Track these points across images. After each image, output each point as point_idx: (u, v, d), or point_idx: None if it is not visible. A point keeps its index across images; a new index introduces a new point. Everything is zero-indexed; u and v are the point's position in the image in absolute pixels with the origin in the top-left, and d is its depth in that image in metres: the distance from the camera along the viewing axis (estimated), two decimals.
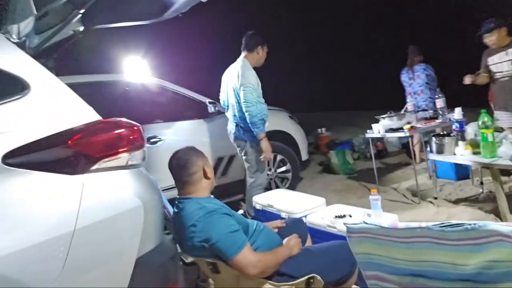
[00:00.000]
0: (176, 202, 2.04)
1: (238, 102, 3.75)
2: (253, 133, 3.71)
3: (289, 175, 4.96)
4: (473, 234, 1.15)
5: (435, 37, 9.96)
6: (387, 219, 2.50)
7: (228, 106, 4.00)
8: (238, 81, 3.68)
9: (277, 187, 4.79)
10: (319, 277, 1.82)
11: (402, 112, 4.57)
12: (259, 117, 3.63)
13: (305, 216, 2.86)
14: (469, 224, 1.16)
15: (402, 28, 11.02)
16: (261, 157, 3.78)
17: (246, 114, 3.64)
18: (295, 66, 13.59)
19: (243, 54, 3.85)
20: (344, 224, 1.44)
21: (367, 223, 1.38)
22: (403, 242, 1.30)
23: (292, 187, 4.85)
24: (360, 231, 1.39)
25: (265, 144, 3.69)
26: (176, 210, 2.02)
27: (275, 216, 3.09)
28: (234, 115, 3.86)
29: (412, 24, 10.81)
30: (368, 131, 4.61)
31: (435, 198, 4.06)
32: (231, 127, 3.99)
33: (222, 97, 4.12)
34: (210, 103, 4.36)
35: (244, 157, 3.95)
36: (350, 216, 2.65)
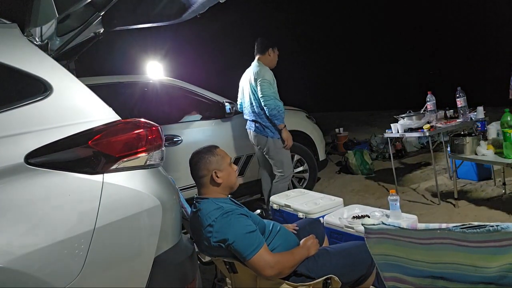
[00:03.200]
0: (194, 201, 2.05)
1: (256, 99, 3.89)
2: (272, 128, 3.87)
3: (307, 175, 4.94)
4: (495, 236, 1.12)
5: (455, 35, 9.77)
6: (406, 220, 2.47)
7: (245, 107, 4.11)
8: (253, 78, 3.86)
9: (294, 187, 4.78)
10: (336, 278, 1.81)
11: (422, 111, 4.50)
12: (278, 109, 3.78)
13: (323, 217, 2.84)
14: (491, 226, 1.13)
15: (423, 28, 10.86)
16: (283, 146, 3.93)
17: (265, 107, 3.79)
18: (312, 66, 13.53)
19: (256, 57, 4.05)
20: (362, 224, 1.42)
21: (385, 224, 1.36)
22: (423, 244, 1.28)
23: (309, 187, 4.83)
24: (379, 231, 1.37)
25: (285, 134, 3.87)
26: (193, 210, 2.03)
27: (292, 216, 3.09)
28: (253, 112, 3.97)
29: (432, 24, 10.64)
30: (386, 130, 4.56)
31: (456, 199, 3.98)
32: (250, 125, 4.08)
33: (239, 100, 4.27)
34: (227, 103, 4.38)
35: (267, 154, 4.03)
36: (368, 216, 2.62)
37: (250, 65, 4.09)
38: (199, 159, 2.02)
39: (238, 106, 4.31)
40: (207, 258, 1.99)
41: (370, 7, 12.14)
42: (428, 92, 4.49)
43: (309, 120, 5.26)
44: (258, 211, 2.62)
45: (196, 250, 2.02)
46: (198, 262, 2.04)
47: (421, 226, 1.28)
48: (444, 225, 1.23)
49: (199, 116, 4.48)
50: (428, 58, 10.19)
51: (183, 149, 3.91)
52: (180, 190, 2.68)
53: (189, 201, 2.28)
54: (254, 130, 4.01)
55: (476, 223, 1.17)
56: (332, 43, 12.78)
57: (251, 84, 3.93)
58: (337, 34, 12.30)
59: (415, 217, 2.55)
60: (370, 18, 12.22)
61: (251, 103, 3.97)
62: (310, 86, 13.88)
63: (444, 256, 1.25)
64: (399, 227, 1.33)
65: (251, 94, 3.96)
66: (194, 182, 2.08)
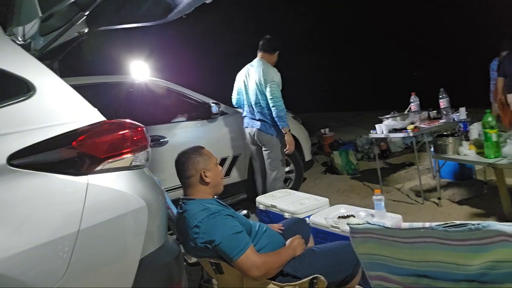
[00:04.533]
0: (180, 202, 2.04)
1: (264, 99, 3.95)
2: (278, 127, 3.96)
3: (293, 175, 4.96)
4: (477, 234, 1.15)
5: (439, 38, 9.93)
6: (391, 220, 2.50)
7: (247, 105, 4.16)
8: (263, 78, 3.91)
9: (280, 188, 4.79)
10: (322, 278, 1.82)
11: (406, 112, 4.56)
12: (284, 111, 3.91)
13: (308, 217, 2.86)
14: (473, 224, 1.16)
15: (408, 31, 11.00)
16: (285, 150, 4.01)
17: (273, 109, 3.87)
18: (298, 67, 13.58)
19: (260, 54, 4.09)
20: (348, 224, 1.44)
21: (370, 223, 1.38)
22: (407, 242, 1.30)
23: (295, 187, 4.85)
24: (364, 231, 1.39)
25: (290, 137, 3.97)
26: (180, 211, 2.03)
27: (278, 217, 3.10)
28: (260, 112, 4.03)
29: (416, 27, 10.78)
30: (371, 131, 4.60)
31: (439, 198, 4.05)
32: (252, 124, 4.13)
33: (236, 96, 4.30)
34: (213, 103, 4.37)
35: (267, 152, 4.10)
36: (354, 216, 2.64)
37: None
38: (186, 159, 2.02)
39: (234, 102, 4.35)
40: (193, 259, 1.98)
41: (357, 10, 12.27)
42: (412, 93, 4.56)
43: (295, 120, 5.28)
44: (245, 211, 2.62)
45: (182, 251, 2.02)
46: (184, 263, 2.03)
47: (405, 225, 1.30)
48: (427, 224, 1.25)
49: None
50: (412, 60, 10.35)
51: (169, 150, 3.88)
52: (166, 191, 2.66)
53: (175, 202, 2.27)
54: (260, 128, 4.05)
55: (458, 222, 1.19)
56: (318, 44, 12.86)
57: (258, 83, 3.97)
58: (323, 35, 12.39)
59: (399, 216, 2.58)
60: (356, 20, 12.34)
61: (257, 103, 4.03)
62: (296, 86, 13.94)
63: (427, 254, 1.27)
64: (384, 226, 1.34)
65: (258, 94, 4.00)
66: (180, 183, 2.07)
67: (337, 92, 12.72)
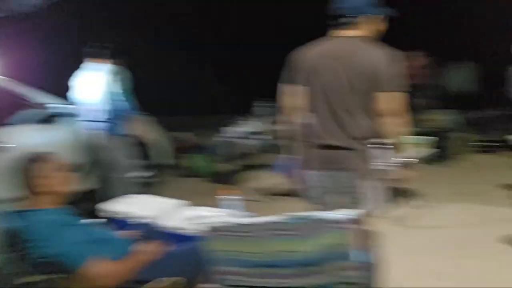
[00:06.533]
0: (16, 214, 1.82)
1: (107, 97, 3.80)
2: (120, 126, 3.85)
3: (149, 179, 4.84)
4: (310, 223, 1.31)
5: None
6: (244, 217, 2.64)
7: (90, 105, 3.95)
8: (107, 76, 3.80)
9: (136, 192, 4.63)
10: (177, 279, 1.83)
11: (260, 116, 4.86)
12: (126, 107, 3.84)
13: (163, 220, 2.83)
14: (308, 215, 1.31)
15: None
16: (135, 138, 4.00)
17: (114, 107, 3.77)
18: (156, 68, 13.28)
19: (101, 60, 3.93)
20: (201, 224, 1.48)
21: (225, 222, 1.45)
22: (254, 236, 1.40)
23: (151, 191, 4.74)
24: (216, 229, 1.45)
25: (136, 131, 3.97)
26: (14, 225, 1.80)
27: (128, 224, 2.98)
28: (101, 111, 3.85)
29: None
30: (229, 134, 4.77)
31: (287, 195, 4.41)
32: (95, 125, 3.93)
33: (81, 96, 4.06)
34: (56, 105, 4.00)
35: (111, 154, 3.95)
36: (208, 217, 2.71)
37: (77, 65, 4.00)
38: (27, 166, 1.82)
39: (79, 101, 4.07)
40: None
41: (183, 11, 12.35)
42: (261, 99, 4.91)
43: (153, 123, 5.17)
44: (92, 219, 2.48)
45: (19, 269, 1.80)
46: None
47: (257, 220, 1.41)
48: (274, 218, 1.38)
49: None
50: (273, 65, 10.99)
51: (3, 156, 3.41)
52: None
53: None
54: (102, 129, 3.88)
55: (296, 214, 1.34)
56: (172, 47, 12.74)
57: (106, 82, 3.82)
58: (177, 38, 12.31)
59: (250, 214, 2.74)
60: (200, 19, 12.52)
61: (99, 102, 3.85)
62: (154, 89, 13.59)
63: (273, 245, 1.40)
64: (234, 223, 1.43)
65: (103, 93, 3.83)
66: (17, 193, 1.85)
67: (197, 95, 12.81)
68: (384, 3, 2.06)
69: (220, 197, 2.63)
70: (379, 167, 2.03)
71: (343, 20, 2.01)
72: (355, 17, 1.99)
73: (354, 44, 1.99)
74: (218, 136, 7.46)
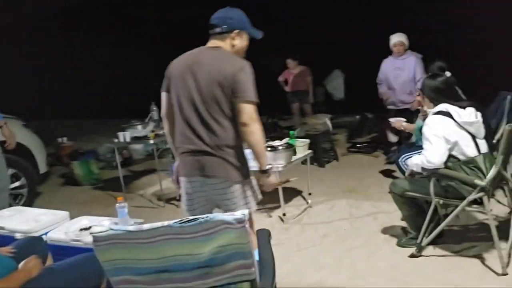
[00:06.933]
0: None
1: None
2: None
3: (24, 190, 4.41)
4: (206, 225, 1.35)
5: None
6: (134, 225, 2.57)
7: None
8: None
9: (10, 205, 4.17)
10: None
11: (147, 120, 4.75)
12: None
13: (46, 234, 2.62)
14: (203, 218, 1.35)
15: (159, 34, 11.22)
16: (6, 145, 3.60)
17: None
18: (29, 69, 12.03)
19: None
20: (90, 233, 1.42)
21: (113, 230, 1.40)
22: (148, 242, 1.39)
23: (28, 203, 4.32)
24: (107, 238, 1.40)
25: (7, 131, 3.58)
26: None
27: (8, 239, 2.69)
28: None
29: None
30: (114, 139, 4.58)
31: (178, 200, 4.40)
32: None
33: None
34: None
35: None
36: (97, 226, 2.58)
37: None
38: None
39: None
40: None
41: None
42: (152, 102, 4.81)
43: (26, 129, 4.71)
44: None
45: None
46: None
47: (146, 226, 1.39)
48: (166, 223, 1.37)
49: None
50: (151, 70, 10.72)
51: None
52: None
53: None
54: None
55: (191, 217, 1.37)
56: (51, 45, 11.70)
57: None
58: (56, 37, 11.34)
59: (142, 220, 2.68)
60: (94, 23, 11.85)
61: None
62: (28, 90, 12.29)
63: (166, 250, 1.40)
64: (126, 230, 1.40)
65: None
66: None
67: (77, 98, 11.92)
68: (253, 24, 2.20)
69: (117, 204, 2.52)
70: (247, 171, 2.16)
71: (216, 30, 2.12)
72: (228, 30, 2.11)
73: (218, 55, 2.10)
74: (102, 141, 7.09)
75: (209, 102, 2.04)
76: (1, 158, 3.63)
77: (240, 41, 2.16)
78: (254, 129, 2.02)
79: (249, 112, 2.00)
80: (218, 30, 2.12)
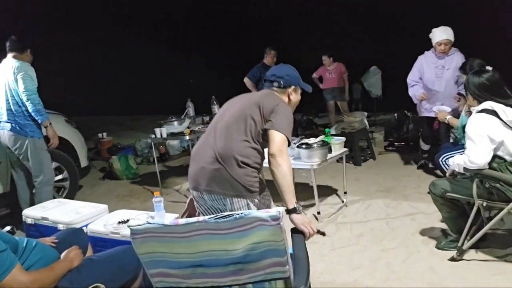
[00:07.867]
0: None
1: (13, 95, 3.59)
2: (32, 126, 3.64)
3: (67, 183, 4.58)
4: (240, 222, 1.34)
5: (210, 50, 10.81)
6: (169, 218, 2.61)
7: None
8: (13, 72, 3.55)
9: (53, 197, 4.36)
10: (102, 286, 1.77)
11: (183, 117, 4.83)
12: (41, 104, 3.59)
13: (86, 226, 2.71)
14: (238, 214, 1.35)
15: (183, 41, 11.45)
16: (49, 144, 3.74)
17: (28, 103, 3.54)
18: (72, 66, 12.53)
19: (11, 55, 3.68)
20: (128, 226, 1.45)
21: (150, 223, 1.43)
22: (184, 237, 1.40)
23: (70, 196, 4.49)
24: (144, 231, 1.43)
25: (51, 131, 3.72)
26: None
27: (51, 230, 2.81)
28: (8, 110, 3.62)
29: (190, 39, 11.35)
30: (151, 135, 4.68)
31: None
32: (2, 126, 3.69)
33: None
34: None
35: (25, 157, 3.69)
36: (134, 220, 2.65)
37: None
38: None
39: None
40: None
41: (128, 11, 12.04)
42: (188, 99, 4.88)
43: (68, 124, 4.89)
44: (8, 228, 2.30)
45: None
46: None
47: (182, 221, 1.40)
48: (201, 218, 1.38)
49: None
50: (187, 68, 10.91)
51: None
52: None
53: None
54: (10, 130, 3.61)
55: (226, 213, 1.37)
56: (92, 45, 12.13)
57: (8, 81, 3.59)
58: (98, 37, 11.74)
59: (177, 215, 2.73)
60: (131, 24, 12.19)
61: (7, 100, 3.61)
62: (70, 87, 12.80)
63: (201, 245, 1.41)
64: (162, 224, 1.42)
65: (7, 90, 3.60)
66: None
67: (115, 95, 12.31)
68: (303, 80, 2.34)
69: (153, 199, 2.58)
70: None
71: (274, 85, 2.26)
72: (286, 86, 2.25)
73: (268, 92, 2.25)
74: (140, 137, 7.27)
75: (238, 119, 2.09)
76: (46, 154, 3.78)
77: (295, 96, 2.29)
78: (281, 162, 1.98)
79: (278, 142, 2.00)
80: (276, 84, 2.25)
